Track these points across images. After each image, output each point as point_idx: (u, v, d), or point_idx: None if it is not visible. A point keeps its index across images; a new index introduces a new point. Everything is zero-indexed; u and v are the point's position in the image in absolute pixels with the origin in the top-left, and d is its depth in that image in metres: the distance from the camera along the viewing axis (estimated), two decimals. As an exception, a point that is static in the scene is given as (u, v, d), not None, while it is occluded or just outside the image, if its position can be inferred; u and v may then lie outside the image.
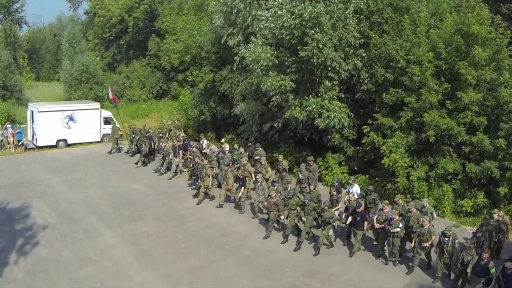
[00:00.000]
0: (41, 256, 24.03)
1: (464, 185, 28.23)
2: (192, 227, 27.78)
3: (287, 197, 25.82)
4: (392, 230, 21.90)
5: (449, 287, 20.75)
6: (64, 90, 68.95)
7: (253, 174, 31.25)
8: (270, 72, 31.26)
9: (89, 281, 21.66)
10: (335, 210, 25.09)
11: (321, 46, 28.88)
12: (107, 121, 48.58)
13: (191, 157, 34.78)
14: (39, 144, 45.11)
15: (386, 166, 28.51)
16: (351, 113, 31.50)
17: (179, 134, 42.62)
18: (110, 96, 47.29)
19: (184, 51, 47.69)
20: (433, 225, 21.91)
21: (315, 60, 29.24)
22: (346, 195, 25.91)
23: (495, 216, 22.33)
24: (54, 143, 45.35)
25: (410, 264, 21.86)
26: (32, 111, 45.54)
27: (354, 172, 32.42)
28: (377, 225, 22.93)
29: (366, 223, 23.19)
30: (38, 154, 43.80)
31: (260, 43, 31.73)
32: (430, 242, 21.21)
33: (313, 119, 30.99)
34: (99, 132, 47.72)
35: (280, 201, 25.71)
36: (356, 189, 27.00)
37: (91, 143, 46.43)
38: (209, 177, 31.08)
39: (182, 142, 39.67)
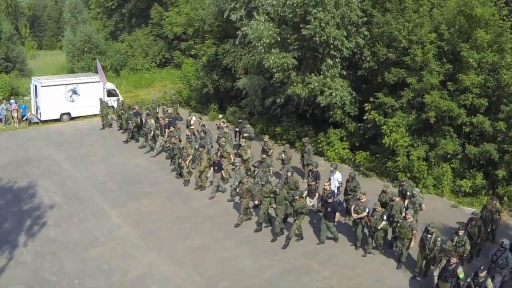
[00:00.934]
0: (49, 237, 24.95)
1: (464, 164, 28.84)
2: (196, 205, 28.50)
3: (261, 183, 25.44)
4: (375, 226, 21.68)
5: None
6: (67, 60, 69.58)
7: (232, 156, 31.44)
8: (273, 50, 31.74)
9: (96, 263, 22.58)
10: (314, 200, 25.51)
11: (323, 25, 29.24)
12: (110, 93, 49.14)
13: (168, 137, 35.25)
14: (43, 118, 45.86)
15: (386, 145, 29.07)
16: (353, 92, 32.00)
17: (167, 110, 42.78)
18: (100, 74, 47.24)
19: (187, 24, 48.11)
20: (416, 220, 22.22)
21: (317, 38, 29.62)
22: (328, 182, 25.68)
23: (489, 207, 22.26)
24: (58, 117, 46.12)
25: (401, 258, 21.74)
26: (36, 86, 46.13)
27: (355, 148, 33.08)
28: (354, 215, 22.43)
29: (337, 214, 22.91)
30: (43, 129, 44.54)
31: (262, 20, 32.18)
32: (411, 238, 20.84)
33: (315, 96, 31.48)
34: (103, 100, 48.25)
35: (253, 187, 25.61)
36: (337, 176, 26.27)
37: (95, 115, 46.81)
38: (189, 156, 31.18)
39: (168, 120, 39.59)
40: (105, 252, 23.61)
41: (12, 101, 46.89)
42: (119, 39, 74.51)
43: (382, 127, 29.37)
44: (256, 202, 25.66)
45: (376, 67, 30.88)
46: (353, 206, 22.76)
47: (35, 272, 22.01)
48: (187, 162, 30.85)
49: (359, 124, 32.33)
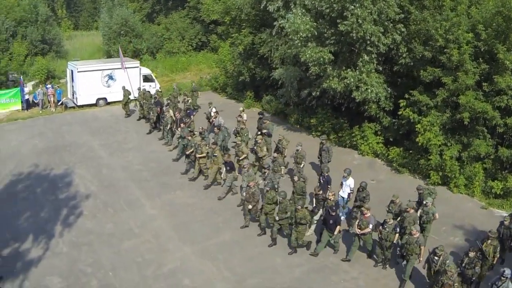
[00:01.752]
0: (85, 228, 26.19)
1: (496, 165, 29.25)
2: (229, 199, 29.34)
3: (265, 189, 25.30)
4: (386, 239, 21.24)
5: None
6: (103, 43, 70.86)
7: (246, 155, 31.31)
8: (309, 43, 32.43)
9: (131, 255, 23.71)
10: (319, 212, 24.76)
11: (360, 21, 29.78)
12: (146, 78, 50.39)
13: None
14: (79, 103, 47.32)
15: (420, 144, 29.60)
16: (388, 88, 32.53)
17: (187, 100, 43.20)
18: (121, 61, 47.93)
19: (224, 12, 48.87)
20: (426, 236, 22.33)
21: (354, 34, 30.18)
22: (340, 187, 26.01)
23: (506, 223, 21.41)
24: (94, 102, 47.51)
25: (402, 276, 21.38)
26: (72, 70, 47.57)
27: (389, 143, 33.72)
28: (357, 231, 22.05)
29: (338, 227, 22.50)
30: (79, 114, 45.93)
31: (299, 14, 32.79)
32: (418, 253, 20.58)
33: (351, 91, 32.13)
34: (139, 90, 49.19)
35: (257, 192, 25.41)
36: (350, 182, 25.79)
37: (131, 101, 47.33)
38: (203, 154, 31.20)
39: (185, 111, 40.11)
40: (139, 244, 24.68)
41: (48, 85, 48.24)
42: (156, 22, 75.27)
43: (416, 126, 29.87)
44: (250, 207, 25.40)
45: (412, 63, 31.25)
46: (357, 221, 22.41)
47: (71, 263, 23.20)
48: (199, 160, 31.13)
49: (394, 120, 32.88)
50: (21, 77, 50.63)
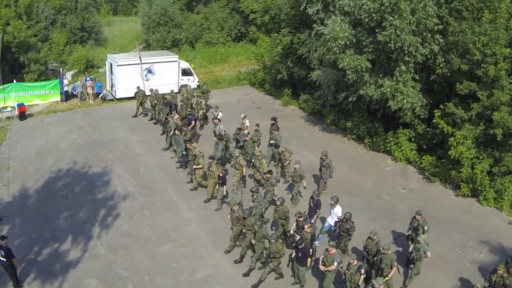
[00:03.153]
0: (122, 230, 27.82)
1: (527, 181, 30.22)
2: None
3: (244, 215, 24.80)
4: (350, 281, 20.86)
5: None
6: (142, 32, 72.48)
7: (244, 168, 31.18)
8: (347, 51, 33.50)
9: (166, 260, 25.18)
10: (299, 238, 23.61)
11: (399, 32, 30.68)
12: (185, 72, 51.97)
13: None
14: (118, 97, 49.14)
15: (452, 157, 30.50)
16: (424, 98, 33.41)
17: (200, 102, 43.21)
18: (139, 56, 48.27)
19: (263, 11, 50.06)
20: (413, 273, 22.72)
21: (392, 45, 31.12)
22: (330, 216, 25.72)
23: (500, 271, 20.35)
24: (133, 95, 48.72)
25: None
26: (111, 63, 49.34)
27: (422, 150, 34.73)
28: (321, 268, 21.64)
29: (309, 260, 22.30)
30: (117, 107, 47.63)
31: (338, 21, 33.85)
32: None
33: (387, 99, 33.15)
34: (177, 83, 50.99)
35: (241, 216, 25.12)
36: (337, 210, 25.31)
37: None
38: (200, 165, 31.34)
39: (187, 117, 40.24)
40: (175, 249, 26.12)
41: (88, 78, 50.05)
42: (195, 11, 76.72)
43: (449, 139, 30.75)
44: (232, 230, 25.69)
45: (448, 74, 32.10)
46: (322, 257, 21.79)
47: (108, 266, 24.86)
48: (196, 172, 31.45)
49: (428, 129, 33.82)
50: (61, 70, 52.48)
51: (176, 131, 35.78)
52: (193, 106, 43.43)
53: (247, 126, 36.65)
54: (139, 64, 47.68)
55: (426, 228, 23.31)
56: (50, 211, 29.65)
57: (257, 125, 35.34)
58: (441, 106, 31.86)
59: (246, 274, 23.94)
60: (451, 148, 30.47)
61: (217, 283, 23.65)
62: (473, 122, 30.62)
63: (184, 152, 34.08)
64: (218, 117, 38.74)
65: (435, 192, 31.57)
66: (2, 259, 22.38)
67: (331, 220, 25.46)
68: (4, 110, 44.69)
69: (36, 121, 44.32)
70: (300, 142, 39.79)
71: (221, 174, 29.40)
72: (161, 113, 41.41)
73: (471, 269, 24.48)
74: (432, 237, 26.11)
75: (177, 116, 38.01)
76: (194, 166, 31.26)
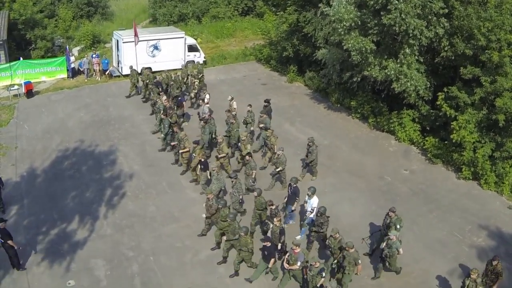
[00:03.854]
0: (128, 210, 28.60)
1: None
2: (267, 183, 30.63)
3: (219, 205, 24.84)
4: (311, 282, 20.99)
5: None
6: (149, 6, 72.67)
7: (227, 155, 31.49)
8: (352, 33, 33.91)
9: (171, 240, 25.95)
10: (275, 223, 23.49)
11: (404, 16, 31.02)
12: (191, 48, 52.46)
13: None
14: (124, 73, 49.51)
15: (454, 141, 31.01)
16: (428, 81, 33.85)
17: (194, 82, 42.89)
18: (134, 35, 48.20)
19: (270, -12, 50.39)
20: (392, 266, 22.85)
21: (397, 28, 31.52)
22: (306, 204, 25.48)
23: (473, 276, 19.90)
24: (139, 71, 49.08)
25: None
26: (117, 40, 49.86)
27: (426, 131, 35.17)
28: (286, 265, 21.63)
29: (272, 260, 22.13)
30: (123, 84, 47.80)
31: (344, 2, 34.22)
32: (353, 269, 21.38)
33: (391, 81, 33.64)
34: (183, 59, 51.49)
35: (214, 205, 25.16)
36: (313, 201, 25.13)
37: (174, 70, 49.27)
38: (186, 149, 31.46)
39: (176, 98, 40.30)
40: (179, 229, 26.88)
41: (94, 55, 50.54)
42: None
43: (451, 123, 31.28)
44: (203, 215, 25.94)
45: (453, 57, 32.42)
46: (286, 255, 21.87)
47: (115, 246, 25.69)
48: (182, 154, 31.66)
49: (432, 111, 34.29)
50: (67, 46, 53.07)
51: (162, 114, 35.74)
52: (187, 84, 43.76)
53: (235, 108, 36.43)
54: (145, 40, 48.33)
55: (398, 226, 23.15)
56: (57, 191, 30.38)
57: (250, 105, 35.24)
58: (445, 89, 32.31)
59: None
60: (454, 132, 30.96)
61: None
62: (476, 107, 30.98)
63: (167, 136, 34.20)
64: (203, 98, 38.92)
65: (436, 174, 32.09)
66: (1, 240, 23.27)
67: (309, 208, 25.24)
68: (12, 88, 45.24)
69: (43, 99, 44.94)
70: (305, 120, 40.32)
71: (202, 159, 29.56)
72: (151, 93, 41.52)
73: (469, 253, 25.04)
74: (432, 220, 27.34)
75: (164, 97, 37.89)
76: (181, 150, 31.52)
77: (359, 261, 21.18)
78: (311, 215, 24.91)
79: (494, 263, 20.60)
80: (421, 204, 28.97)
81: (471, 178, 31.01)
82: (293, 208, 26.30)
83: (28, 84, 45.43)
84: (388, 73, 33.05)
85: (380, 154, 34.65)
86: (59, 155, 34.55)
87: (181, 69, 47.27)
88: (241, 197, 26.98)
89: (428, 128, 35.09)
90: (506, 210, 28.75)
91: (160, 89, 41.06)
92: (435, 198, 29.39)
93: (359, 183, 31.04)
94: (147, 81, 43.54)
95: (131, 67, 45.78)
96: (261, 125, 33.75)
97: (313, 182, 29.98)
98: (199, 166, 29.83)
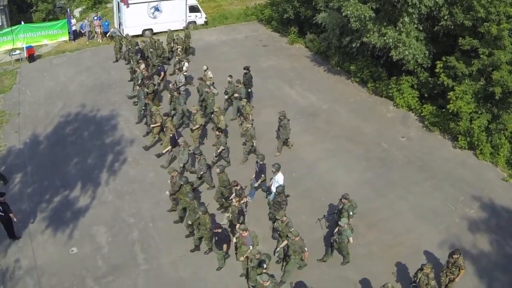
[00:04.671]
0: (129, 176, 29.35)
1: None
2: (265, 148, 30.74)
3: (181, 182, 24.84)
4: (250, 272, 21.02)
5: None
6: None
7: (199, 127, 31.18)
8: (351, 0, 34.10)
9: (169, 206, 26.55)
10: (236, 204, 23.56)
11: (403, -17, 31.21)
12: (193, 8, 52.80)
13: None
14: (125, 34, 49.65)
15: (450, 110, 31.50)
16: (426, 50, 34.07)
17: (176, 49, 42.22)
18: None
19: None
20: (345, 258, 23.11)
21: (396, -5, 31.71)
22: (272, 181, 25.60)
23: (426, 271, 19.85)
24: (140, 33, 50.00)
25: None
26: (118, 1, 50.15)
27: (424, 99, 35.57)
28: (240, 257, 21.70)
29: (225, 246, 22.14)
30: (124, 46, 47.24)
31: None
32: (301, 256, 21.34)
33: (389, 48, 33.97)
34: (184, 20, 51.96)
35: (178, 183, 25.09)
36: (279, 178, 25.23)
37: (176, 31, 49.45)
38: (157, 124, 31.07)
39: (156, 67, 39.83)
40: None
41: (95, 16, 50.97)
42: None
43: (448, 94, 31.68)
44: (167, 192, 26.28)
45: (452, 27, 32.67)
46: (235, 237, 22.06)
47: (116, 212, 26.56)
48: (154, 130, 31.39)
49: (430, 78, 34.57)
50: (68, 9, 53.41)
51: (138, 84, 35.35)
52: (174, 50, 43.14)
53: (211, 78, 36.07)
54: (146, 2, 48.67)
55: (351, 213, 22.89)
56: (60, 158, 31.15)
57: (230, 76, 34.79)
58: (444, 58, 32.66)
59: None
60: (451, 102, 31.39)
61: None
62: (474, 78, 31.25)
63: (143, 108, 33.96)
64: (181, 67, 38.40)
65: (433, 142, 32.59)
66: (1, 213, 24.13)
67: (273, 187, 25.12)
68: (13, 53, 45.65)
69: (45, 63, 45.43)
70: (305, 83, 40.75)
71: (171, 135, 29.68)
72: (131, 61, 41.54)
73: (460, 225, 25.70)
74: (427, 189, 28.03)
75: (143, 66, 37.26)
76: (152, 125, 31.37)
77: (305, 248, 20.99)
78: (273, 189, 25.18)
79: (455, 256, 20.61)
80: (416, 172, 29.50)
81: (467, 148, 31.51)
82: (256, 185, 26.67)
83: (29, 48, 45.92)
84: (387, 40, 33.34)
85: (378, 120, 35.14)
86: (61, 120, 35.18)
87: (183, 30, 47.73)
88: (202, 173, 27.19)
89: (426, 95, 35.49)
90: (500, 181, 29.27)
91: (139, 56, 40.83)
92: (431, 167, 29.90)
93: (356, 149, 31.60)
94: (129, 47, 43.39)
95: (113, 32, 46.65)
96: (236, 95, 33.83)
97: (299, 149, 31.36)
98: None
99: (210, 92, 33.59)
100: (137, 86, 35.16)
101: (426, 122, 34.03)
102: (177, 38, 44.01)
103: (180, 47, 42.49)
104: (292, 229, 21.08)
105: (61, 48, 48.90)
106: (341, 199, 23.33)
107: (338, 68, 42.63)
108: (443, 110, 33.22)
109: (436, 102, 34.47)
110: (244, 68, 36.18)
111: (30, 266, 23.60)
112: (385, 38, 33.55)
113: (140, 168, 30.12)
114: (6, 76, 42.54)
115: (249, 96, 35.18)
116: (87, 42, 49.27)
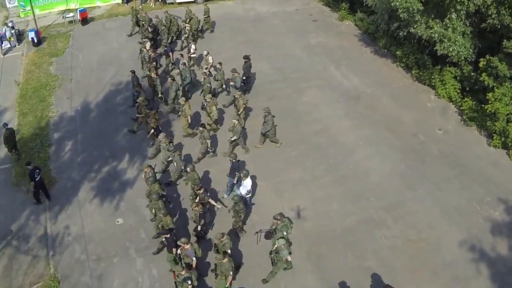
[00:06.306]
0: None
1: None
2: (306, 130, 33.49)
3: (148, 181, 26.11)
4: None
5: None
6: None
7: (189, 117, 32.13)
8: (401, -10, 35.64)
9: (213, 193, 27.83)
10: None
11: (453, -18, 32.45)
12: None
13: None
14: (178, 0, 52.31)
15: (487, 111, 32.90)
16: (470, 49, 35.21)
17: (185, 27, 42.81)
18: None
19: None
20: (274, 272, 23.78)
21: (444, -9, 32.97)
22: (241, 188, 26.68)
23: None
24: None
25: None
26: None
27: (466, 92, 36.89)
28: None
29: (174, 250, 23.13)
30: (178, 10, 49.82)
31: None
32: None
33: (435, 42, 35.40)
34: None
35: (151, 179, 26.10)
36: (246, 183, 26.37)
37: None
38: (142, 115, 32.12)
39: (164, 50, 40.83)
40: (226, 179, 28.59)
41: (148, -18, 52.52)
42: None
43: (487, 94, 33.03)
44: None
45: (499, 26, 33.78)
46: (179, 249, 22.69)
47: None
48: (138, 120, 32.73)
49: (473, 73, 35.80)
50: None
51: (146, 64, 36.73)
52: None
53: (211, 63, 37.00)
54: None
55: (285, 233, 22.97)
56: (110, 127, 33.61)
57: (220, 63, 35.86)
58: (487, 57, 33.82)
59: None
60: (489, 103, 32.73)
61: (254, 210, 27.48)
62: (515, 80, 32.31)
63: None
64: (192, 50, 39.48)
65: (469, 138, 33.87)
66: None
67: (243, 190, 26.42)
68: (67, 16, 48.20)
69: (98, 26, 47.92)
70: (351, 64, 42.32)
71: (154, 126, 31.02)
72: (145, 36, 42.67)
73: (483, 226, 26.81)
74: (455, 186, 29.54)
75: (149, 44, 38.69)
76: (137, 115, 32.58)
77: (231, 273, 21.65)
78: (242, 191, 26.49)
79: None
80: (448, 168, 30.87)
81: (501, 147, 32.64)
82: (234, 181, 27.81)
83: (83, 12, 48.33)
84: (433, 34, 34.77)
85: (418, 109, 36.55)
86: (113, 89, 37.46)
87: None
88: (182, 168, 28.36)
89: (467, 89, 36.69)
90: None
91: (151, 32, 42.13)
92: (463, 163, 31.30)
93: (393, 139, 33.24)
94: (143, 22, 44.14)
95: (132, 8, 47.14)
96: (231, 83, 34.79)
97: (339, 135, 33.24)
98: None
99: (207, 78, 34.61)
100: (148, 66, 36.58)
101: (464, 116, 35.29)
102: (191, 17, 44.00)
103: (188, 25, 42.93)
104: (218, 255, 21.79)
105: (114, 11, 51.11)
106: (273, 219, 23.49)
107: (385, 50, 44.11)
108: (482, 105, 34.38)
109: (476, 96, 35.65)
110: (244, 57, 36.53)
111: (78, 234, 26.47)
112: (431, 31, 34.95)
113: (188, 140, 32.41)
114: (59, 39, 45.08)
115: (244, 84, 36.02)
116: (140, 7, 50.50)
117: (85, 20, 48.09)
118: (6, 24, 46.33)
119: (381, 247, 25.66)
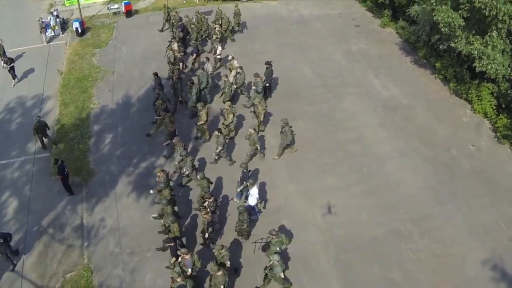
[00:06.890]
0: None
1: None
2: (342, 138, 34.31)
3: (159, 186, 26.69)
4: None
5: None
6: None
7: (205, 123, 32.54)
8: (443, 6, 36.40)
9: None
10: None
11: (495, 2, 33.17)
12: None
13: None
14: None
15: None
16: (509, 67, 35.68)
17: (214, 28, 42.57)
18: None
19: None
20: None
21: (486, 12, 33.74)
22: (249, 197, 27.32)
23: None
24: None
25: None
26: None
27: (501, 108, 37.38)
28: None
29: (174, 259, 24.18)
30: (223, 8, 48.74)
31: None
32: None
33: (474, 58, 36.04)
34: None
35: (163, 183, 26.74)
36: (253, 192, 26.95)
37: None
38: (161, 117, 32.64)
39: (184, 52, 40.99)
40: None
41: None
42: None
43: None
44: (151, 192, 28.14)
45: (542, 46, 34.12)
46: (179, 259, 23.42)
47: (197, 186, 30.19)
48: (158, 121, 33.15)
49: (509, 91, 36.29)
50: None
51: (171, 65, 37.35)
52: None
53: (236, 67, 36.94)
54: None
55: (278, 248, 23.53)
56: (150, 123, 34.40)
57: (241, 67, 36.22)
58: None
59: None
60: None
61: (284, 215, 28.42)
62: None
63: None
64: (218, 52, 40.29)
65: (502, 155, 34.21)
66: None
67: (251, 200, 27.15)
68: (112, 7, 49.61)
69: (142, 19, 49.18)
70: (389, 73, 42.93)
71: (171, 131, 31.64)
72: (174, 36, 43.24)
73: (508, 246, 26.95)
74: (484, 203, 29.97)
75: (175, 45, 39.10)
76: (156, 117, 33.15)
77: (222, 286, 22.11)
78: (250, 203, 27.27)
79: None
80: (478, 185, 31.03)
81: None
82: (238, 190, 28.71)
83: (127, 4, 49.70)
84: (473, 51, 35.39)
85: (453, 123, 37.05)
86: (154, 84, 37.80)
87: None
88: (187, 173, 29.28)
89: (503, 106, 37.18)
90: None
91: (181, 32, 42.66)
92: (494, 181, 31.65)
93: (426, 152, 33.76)
94: (173, 21, 45.00)
95: (164, 5, 47.90)
96: (253, 87, 34.95)
97: (374, 144, 34.00)
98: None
99: (228, 81, 35.21)
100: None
101: (498, 134, 35.76)
102: (222, 18, 44.54)
103: (218, 26, 43.05)
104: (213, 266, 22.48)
105: (158, 4, 52.06)
106: (268, 233, 24.26)
107: (424, 61, 44.69)
108: (518, 124, 34.92)
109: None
110: (266, 63, 36.88)
111: (113, 227, 27.82)
112: (471, 47, 35.61)
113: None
114: (103, 30, 46.53)
115: (265, 92, 36.32)
116: (184, 2, 52.25)
117: (129, 13, 49.48)
118: (51, 13, 48.02)
119: (406, 259, 26.24)
